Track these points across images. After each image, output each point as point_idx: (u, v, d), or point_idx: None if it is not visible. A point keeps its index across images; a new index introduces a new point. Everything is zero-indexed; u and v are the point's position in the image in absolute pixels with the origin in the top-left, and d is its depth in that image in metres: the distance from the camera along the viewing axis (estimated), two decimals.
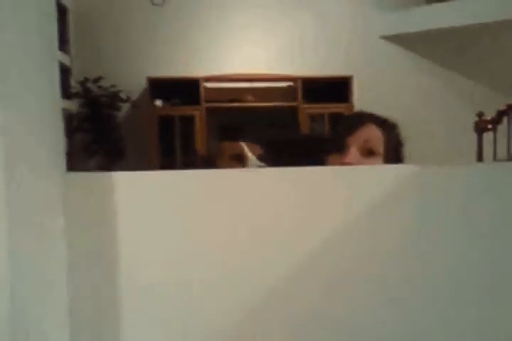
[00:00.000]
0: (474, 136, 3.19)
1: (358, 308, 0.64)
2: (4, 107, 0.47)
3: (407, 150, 1.29)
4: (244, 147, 1.21)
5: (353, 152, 1.17)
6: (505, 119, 3.14)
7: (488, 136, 3.17)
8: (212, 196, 0.62)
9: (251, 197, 0.62)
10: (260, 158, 1.20)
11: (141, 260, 0.61)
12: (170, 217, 0.61)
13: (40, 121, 0.55)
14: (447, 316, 0.65)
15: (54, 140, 0.57)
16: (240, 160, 1.21)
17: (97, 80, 4.55)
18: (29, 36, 0.54)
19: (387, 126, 1.24)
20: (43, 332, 0.54)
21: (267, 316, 0.63)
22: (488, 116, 3.15)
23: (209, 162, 1.28)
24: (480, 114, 3.16)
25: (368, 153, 1.18)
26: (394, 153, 1.23)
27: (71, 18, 4.74)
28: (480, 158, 3.14)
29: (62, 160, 0.58)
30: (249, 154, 1.19)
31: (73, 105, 4.53)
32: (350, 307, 0.64)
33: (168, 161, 4.57)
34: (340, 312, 0.64)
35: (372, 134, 1.21)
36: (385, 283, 0.64)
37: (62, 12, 4.50)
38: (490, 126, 3.13)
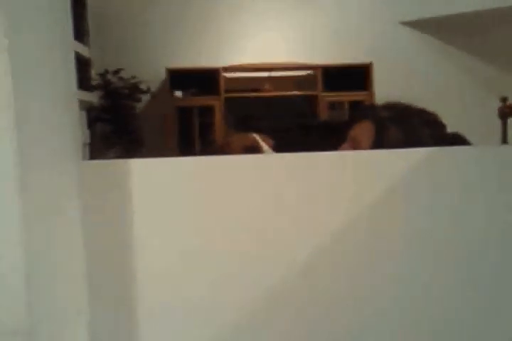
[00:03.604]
0: (498, 122, 3.13)
1: (370, 296, 0.64)
2: (19, 96, 0.47)
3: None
4: (259, 139, 1.19)
5: (346, 146, 1.18)
6: None
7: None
8: (227, 182, 0.62)
9: (266, 183, 0.62)
10: (274, 149, 1.18)
11: (157, 246, 0.62)
12: (186, 203, 0.61)
13: (56, 110, 0.55)
14: (470, 302, 0.64)
15: (69, 129, 0.58)
16: (254, 153, 1.19)
17: (117, 72, 4.57)
18: (43, 26, 0.54)
19: (386, 123, 1.19)
20: (62, 318, 0.55)
21: (280, 303, 0.63)
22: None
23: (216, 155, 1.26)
24: (503, 99, 3.10)
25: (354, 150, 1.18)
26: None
27: (90, 11, 4.76)
28: (504, 143, 3.09)
29: (77, 149, 0.59)
30: (265, 146, 1.17)
31: (94, 97, 4.57)
32: (362, 295, 0.64)
33: (187, 151, 4.59)
34: (355, 301, 0.64)
35: (363, 132, 1.19)
36: (400, 271, 0.64)
37: (81, 5, 4.52)
38: None
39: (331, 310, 0.64)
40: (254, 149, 1.18)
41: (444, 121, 1.21)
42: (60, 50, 0.58)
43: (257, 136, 1.20)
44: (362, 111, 1.28)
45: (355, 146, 1.17)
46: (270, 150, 1.17)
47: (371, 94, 4.70)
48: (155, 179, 0.61)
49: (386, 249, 0.63)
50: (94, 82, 4.60)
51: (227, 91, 4.75)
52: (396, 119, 1.17)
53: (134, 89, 4.63)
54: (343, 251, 0.63)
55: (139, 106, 4.83)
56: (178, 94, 4.77)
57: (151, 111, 4.93)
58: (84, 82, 4.39)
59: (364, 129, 1.19)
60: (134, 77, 4.60)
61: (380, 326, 0.64)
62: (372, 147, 1.15)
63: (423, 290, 0.64)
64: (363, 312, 0.64)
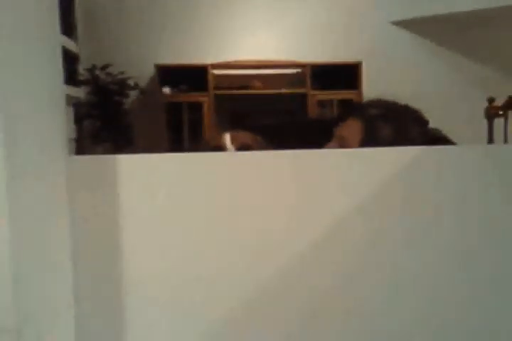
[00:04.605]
0: (485, 122, 3.15)
1: (368, 296, 0.64)
2: (5, 90, 0.46)
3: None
4: (227, 138, 1.16)
5: (333, 146, 1.16)
6: None
7: (498, 122, 3.13)
8: (216, 178, 0.61)
9: (256, 180, 0.61)
10: (243, 147, 1.15)
11: (147, 242, 0.61)
12: (175, 198, 0.61)
13: (42, 104, 0.54)
14: (470, 301, 0.65)
15: (56, 123, 0.57)
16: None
17: (105, 67, 4.54)
18: (30, 19, 0.53)
19: (374, 119, 1.18)
20: (50, 316, 0.54)
21: (279, 303, 0.63)
22: (499, 102, 3.11)
23: None
24: (490, 100, 3.12)
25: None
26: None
27: (79, 5, 4.72)
28: (490, 143, 3.11)
29: (64, 144, 0.58)
30: (229, 146, 1.14)
31: (81, 92, 4.53)
32: (360, 294, 0.64)
33: (176, 148, 4.57)
34: (351, 298, 0.64)
35: (351, 131, 1.18)
36: (396, 269, 0.64)
37: None
38: (501, 112, 3.09)
39: (330, 310, 0.63)
40: (218, 149, 1.15)
41: (435, 120, 1.22)
42: (47, 45, 0.57)
43: (227, 136, 1.17)
44: (350, 109, 1.28)
45: (343, 145, 1.17)
46: (233, 150, 1.14)
47: (360, 93, 4.71)
48: (144, 175, 0.60)
49: (385, 246, 0.63)
50: (81, 77, 4.56)
51: (216, 88, 4.73)
52: (386, 117, 1.17)
53: (123, 85, 4.59)
54: (341, 250, 0.63)
55: (128, 102, 4.80)
56: (166, 90, 4.74)
57: (140, 108, 4.90)
58: (71, 77, 4.35)
59: (351, 127, 1.18)
60: (122, 73, 4.57)
61: (379, 326, 0.64)
62: (360, 145, 1.15)
63: (423, 289, 0.64)
64: (362, 310, 0.64)
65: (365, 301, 0.64)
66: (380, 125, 1.15)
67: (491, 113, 3.10)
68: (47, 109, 0.55)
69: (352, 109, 1.26)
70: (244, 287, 0.62)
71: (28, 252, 0.49)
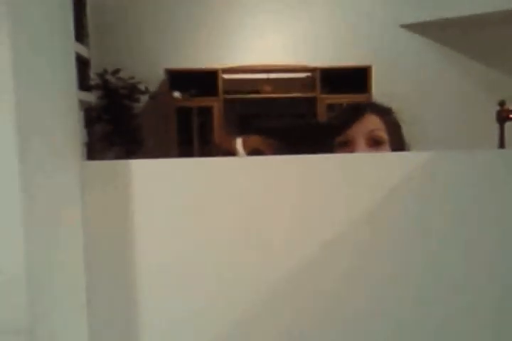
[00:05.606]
0: (496, 126, 3.13)
1: (366, 305, 0.64)
2: (19, 96, 0.47)
3: (429, 140, 1.27)
4: (238, 143, 1.15)
5: (361, 143, 1.16)
6: None
7: (510, 126, 3.12)
8: (226, 183, 0.61)
9: (266, 184, 0.62)
10: (254, 152, 1.14)
11: (157, 246, 0.61)
12: (186, 203, 0.61)
13: (56, 110, 0.55)
14: (464, 311, 0.64)
15: (70, 129, 0.57)
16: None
17: (115, 72, 4.57)
18: (46, 26, 0.54)
19: (383, 113, 1.23)
20: (63, 317, 0.55)
21: (280, 303, 0.63)
22: (511, 106, 3.09)
23: None
24: (502, 103, 3.10)
25: (375, 143, 1.17)
26: (395, 138, 1.22)
27: (90, 11, 4.76)
28: (502, 148, 3.09)
29: (78, 149, 0.58)
30: (241, 150, 1.13)
31: (92, 97, 4.57)
32: (359, 303, 0.64)
33: (186, 152, 4.59)
34: (357, 300, 0.64)
35: (376, 124, 1.20)
36: (395, 276, 0.64)
37: (80, 4, 4.52)
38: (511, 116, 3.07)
39: (331, 312, 0.63)
40: (229, 154, 1.14)
41: (444, 124, 1.23)
42: (62, 51, 0.57)
43: (239, 140, 1.16)
44: (355, 109, 1.29)
45: (376, 136, 1.16)
46: (244, 155, 1.13)
47: (370, 97, 4.71)
48: (156, 179, 0.61)
49: (386, 249, 0.63)
50: (92, 82, 4.59)
51: (226, 92, 4.75)
52: (383, 108, 1.25)
53: (133, 90, 4.63)
54: (344, 253, 0.63)
55: (138, 106, 4.83)
56: (177, 94, 4.77)
57: (150, 112, 4.93)
58: (82, 81, 4.39)
59: (375, 120, 1.19)
60: (132, 78, 4.60)
61: (380, 327, 0.64)
62: (389, 134, 1.17)
63: (423, 291, 0.64)
64: (362, 312, 0.64)
65: (368, 303, 0.63)
66: (393, 116, 1.24)
67: (503, 116, 3.08)
68: (61, 114, 0.56)
69: (358, 108, 1.28)
70: (250, 288, 0.62)
71: (41, 255, 0.50)
